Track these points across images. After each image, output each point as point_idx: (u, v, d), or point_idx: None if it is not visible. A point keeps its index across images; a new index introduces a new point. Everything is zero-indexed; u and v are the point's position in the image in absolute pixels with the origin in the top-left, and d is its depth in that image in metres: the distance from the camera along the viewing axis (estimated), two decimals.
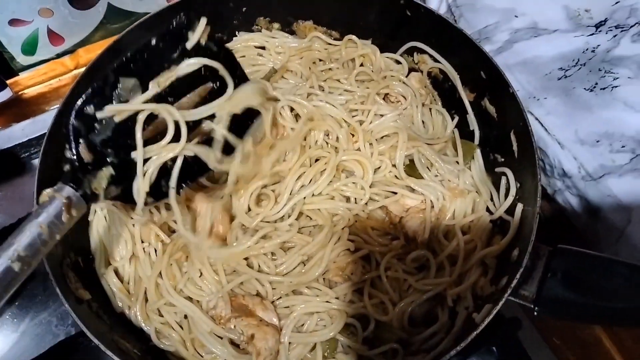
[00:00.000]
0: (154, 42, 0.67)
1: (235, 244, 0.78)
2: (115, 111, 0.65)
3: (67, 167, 0.64)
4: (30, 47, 1.18)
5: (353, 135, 0.88)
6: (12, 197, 1.11)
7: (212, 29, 0.98)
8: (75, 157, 0.64)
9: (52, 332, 0.98)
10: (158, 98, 0.67)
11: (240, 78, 0.74)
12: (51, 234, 0.60)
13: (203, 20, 0.70)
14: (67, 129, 0.64)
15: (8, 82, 1.19)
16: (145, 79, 0.67)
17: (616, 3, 1.06)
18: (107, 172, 0.66)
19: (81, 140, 0.64)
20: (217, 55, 0.71)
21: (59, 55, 1.24)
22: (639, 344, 0.91)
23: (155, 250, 0.82)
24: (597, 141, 0.91)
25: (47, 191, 0.62)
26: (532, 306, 0.69)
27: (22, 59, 1.20)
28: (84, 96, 0.65)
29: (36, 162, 1.16)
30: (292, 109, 0.88)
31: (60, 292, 0.70)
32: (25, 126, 1.17)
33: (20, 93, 1.24)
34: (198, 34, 0.70)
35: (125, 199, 0.68)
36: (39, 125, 1.16)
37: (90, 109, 0.65)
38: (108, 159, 0.66)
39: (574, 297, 0.66)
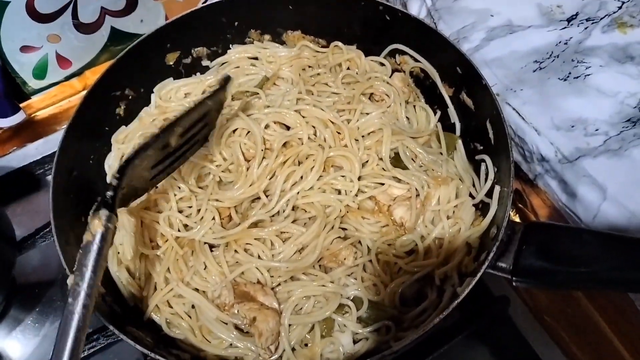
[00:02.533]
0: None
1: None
2: None
3: (109, 194, 0.69)
4: (40, 71, 1.27)
5: (340, 134, 0.94)
6: (29, 211, 1.18)
7: (208, 44, 1.07)
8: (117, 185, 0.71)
9: None
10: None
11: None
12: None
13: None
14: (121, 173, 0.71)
15: (21, 105, 1.28)
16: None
17: None
18: None
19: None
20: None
21: (67, 78, 1.32)
22: (627, 321, 0.95)
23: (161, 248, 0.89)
24: (572, 126, 0.97)
25: (97, 222, 0.67)
26: (510, 277, 0.74)
27: (33, 83, 1.28)
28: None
29: (49, 178, 1.24)
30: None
31: None
32: (39, 145, 1.25)
33: (33, 115, 1.32)
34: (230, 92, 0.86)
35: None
36: (52, 143, 1.24)
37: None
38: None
39: (547, 265, 0.71)
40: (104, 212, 0.67)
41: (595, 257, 0.68)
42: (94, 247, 0.65)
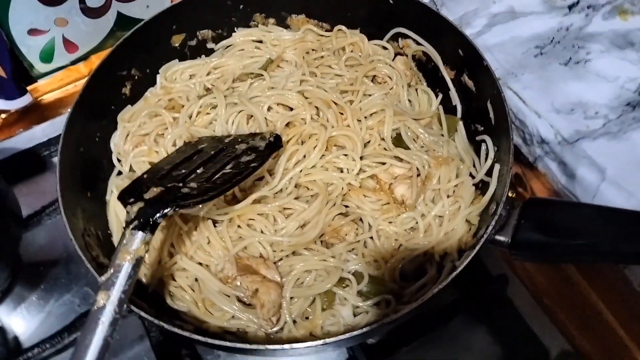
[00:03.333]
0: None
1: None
2: None
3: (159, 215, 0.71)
4: (47, 55, 1.28)
5: (342, 114, 0.96)
6: (35, 191, 1.19)
7: (213, 27, 1.09)
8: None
9: (75, 311, 1.05)
10: None
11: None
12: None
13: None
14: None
15: (28, 88, 1.29)
16: None
17: None
18: None
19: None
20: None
21: (73, 62, 1.33)
22: (625, 300, 0.96)
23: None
24: (572, 110, 0.99)
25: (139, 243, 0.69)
26: (508, 250, 0.76)
27: (40, 67, 1.30)
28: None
29: (55, 159, 1.26)
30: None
31: (84, 256, 0.77)
32: (45, 127, 1.26)
33: (39, 99, 1.34)
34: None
35: None
36: (57, 126, 1.25)
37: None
38: None
39: (545, 239, 0.73)
40: (144, 236, 0.68)
41: (593, 230, 0.70)
42: (129, 269, 0.67)
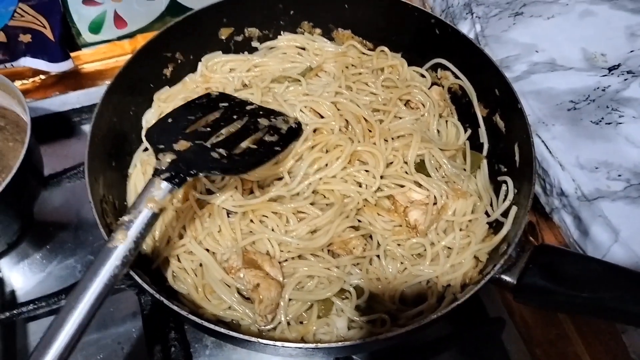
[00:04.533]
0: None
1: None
2: None
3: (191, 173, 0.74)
4: (96, 26, 1.32)
5: (370, 132, 0.97)
6: (59, 155, 1.22)
7: (261, 26, 1.12)
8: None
9: (75, 276, 1.07)
10: None
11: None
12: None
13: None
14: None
15: (72, 54, 1.33)
16: None
17: (631, 52, 1.15)
18: None
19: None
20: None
21: (119, 38, 1.37)
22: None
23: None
24: (596, 168, 0.99)
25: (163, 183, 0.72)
26: (512, 292, 0.76)
27: (87, 36, 1.34)
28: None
29: (85, 127, 1.29)
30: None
31: (99, 220, 0.79)
32: (80, 95, 1.30)
33: (80, 67, 1.37)
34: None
35: None
36: (93, 96, 1.28)
37: None
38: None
39: (550, 286, 0.73)
40: (172, 189, 0.71)
41: (600, 285, 0.70)
42: (151, 216, 0.70)
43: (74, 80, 1.35)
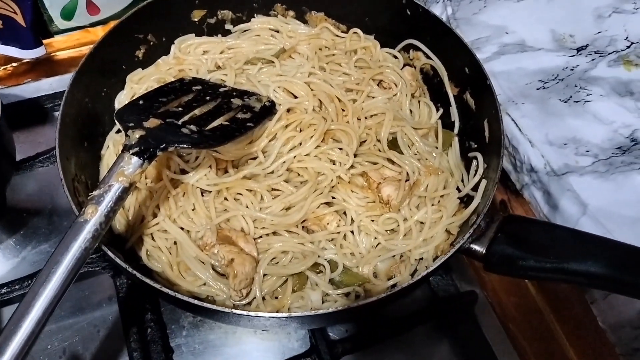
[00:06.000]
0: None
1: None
2: None
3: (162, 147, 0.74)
4: (69, 12, 1.30)
5: (344, 111, 0.98)
6: (32, 141, 1.21)
7: (234, 9, 1.12)
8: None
9: None
10: None
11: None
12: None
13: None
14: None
15: (44, 41, 1.31)
16: None
17: (598, 32, 1.18)
18: None
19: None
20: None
21: (92, 25, 1.36)
22: (588, 336, 0.98)
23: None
24: (565, 144, 1.01)
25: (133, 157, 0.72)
26: (481, 261, 0.78)
27: (59, 23, 1.32)
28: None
29: (58, 113, 1.27)
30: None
31: (70, 199, 0.78)
32: (53, 82, 1.28)
33: (52, 54, 1.36)
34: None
35: None
36: (66, 82, 1.22)
37: None
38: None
39: (518, 253, 0.74)
40: (142, 163, 0.72)
41: (565, 250, 0.72)
42: (121, 190, 0.70)
43: (47, 67, 1.34)
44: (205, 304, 0.70)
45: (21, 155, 1.13)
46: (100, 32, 1.37)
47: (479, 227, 0.78)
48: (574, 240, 0.73)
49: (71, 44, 1.37)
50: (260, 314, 0.70)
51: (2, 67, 1.32)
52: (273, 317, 0.71)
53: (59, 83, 1.27)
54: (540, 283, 1.03)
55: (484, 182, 0.88)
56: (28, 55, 1.28)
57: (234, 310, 0.70)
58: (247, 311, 0.71)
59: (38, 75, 1.31)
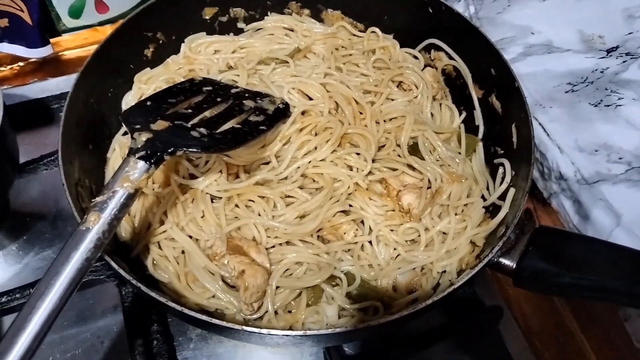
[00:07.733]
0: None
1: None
2: None
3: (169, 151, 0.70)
4: (76, 10, 1.27)
5: (362, 114, 0.93)
6: (36, 142, 1.17)
7: (247, 6, 1.07)
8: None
9: None
10: None
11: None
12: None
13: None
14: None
15: (52, 40, 1.28)
16: None
17: (629, 33, 1.12)
18: None
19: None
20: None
21: (101, 23, 1.32)
22: (620, 356, 0.92)
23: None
24: (596, 150, 0.96)
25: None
26: (511, 276, 0.72)
27: (67, 21, 1.28)
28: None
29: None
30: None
31: (72, 204, 0.74)
32: (59, 82, 1.26)
33: (60, 53, 1.32)
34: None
35: None
36: (73, 82, 1.23)
37: None
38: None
39: (552, 269, 0.69)
40: (148, 168, 0.67)
41: (604, 266, 0.66)
42: (126, 196, 0.66)
43: (54, 67, 1.31)
44: (214, 320, 0.65)
45: (26, 157, 1.09)
46: (108, 31, 1.31)
47: (509, 240, 0.73)
48: (614, 256, 0.67)
49: (79, 43, 1.34)
50: (273, 331, 0.65)
51: (9, 67, 1.29)
52: (287, 335, 0.65)
53: (66, 83, 1.24)
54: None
55: (512, 191, 0.83)
56: (35, 54, 1.25)
57: (245, 328, 0.65)
58: (259, 328, 0.66)
59: (45, 75, 1.28)
